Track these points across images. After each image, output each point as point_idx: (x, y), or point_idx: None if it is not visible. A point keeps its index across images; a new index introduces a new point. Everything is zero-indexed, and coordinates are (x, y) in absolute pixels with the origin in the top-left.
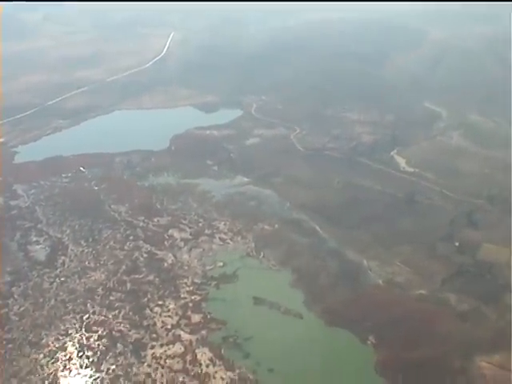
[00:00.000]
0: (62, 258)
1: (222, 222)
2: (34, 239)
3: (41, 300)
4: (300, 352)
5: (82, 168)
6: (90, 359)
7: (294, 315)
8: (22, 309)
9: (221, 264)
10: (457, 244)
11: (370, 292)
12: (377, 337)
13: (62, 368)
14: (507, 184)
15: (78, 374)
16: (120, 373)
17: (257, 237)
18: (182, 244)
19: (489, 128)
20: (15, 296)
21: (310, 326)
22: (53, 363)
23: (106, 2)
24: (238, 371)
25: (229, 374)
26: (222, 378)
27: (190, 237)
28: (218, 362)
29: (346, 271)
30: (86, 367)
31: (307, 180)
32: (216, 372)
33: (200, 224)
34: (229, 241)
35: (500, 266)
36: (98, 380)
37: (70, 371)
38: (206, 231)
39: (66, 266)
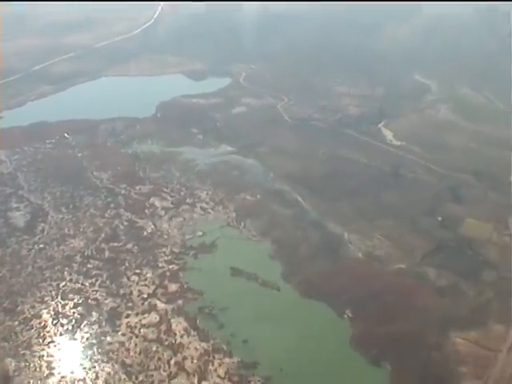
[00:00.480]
0: (42, 224)
1: (204, 192)
2: (15, 206)
3: (18, 267)
4: (275, 324)
5: (66, 134)
6: (65, 327)
7: (272, 287)
8: None
9: (200, 233)
10: (439, 219)
11: (349, 265)
12: (353, 310)
13: (36, 335)
14: (494, 159)
15: (52, 341)
16: (94, 341)
17: (238, 207)
18: (162, 213)
19: (479, 102)
20: None
21: (287, 298)
22: (27, 330)
23: None
24: (212, 342)
25: (203, 344)
26: (196, 349)
27: (170, 205)
28: (192, 333)
29: (327, 243)
30: (61, 335)
31: (292, 150)
32: (190, 342)
33: (182, 193)
34: (210, 210)
35: (481, 242)
36: (71, 348)
37: (44, 339)
38: (188, 200)
39: (45, 232)
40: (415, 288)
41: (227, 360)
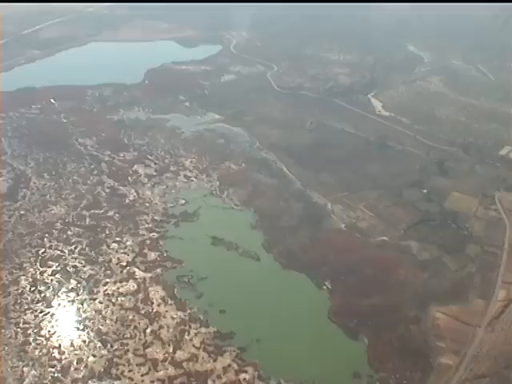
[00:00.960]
0: (24, 190)
1: (189, 160)
2: None
3: None
4: (253, 295)
5: (52, 100)
6: (42, 294)
7: (252, 257)
8: None
9: (183, 202)
10: (424, 191)
11: (331, 236)
12: (333, 282)
13: (13, 302)
14: (483, 133)
15: (29, 308)
16: (71, 309)
17: (222, 175)
18: (145, 180)
19: (471, 75)
20: None
21: (267, 269)
22: (5, 297)
23: None
24: (189, 311)
25: (179, 313)
26: (173, 318)
27: (154, 173)
28: (169, 302)
29: (309, 214)
30: (38, 302)
31: (279, 119)
32: (167, 311)
33: (166, 160)
34: (193, 178)
35: (466, 215)
36: (48, 315)
37: (21, 305)
38: (172, 168)
39: (26, 199)
40: (397, 261)
41: (203, 330)
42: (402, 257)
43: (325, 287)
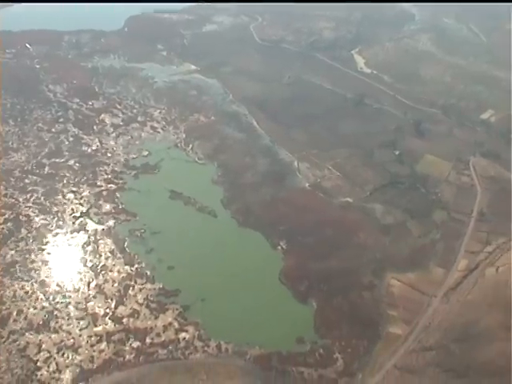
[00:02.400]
0: None
1: (158, 110)
2: None
3: None
4: (205, 252)
5: (27, 44)
6: None
7: (209, 213)
8: None
9: (146, 153)
10: (397, 153)
11: (293, 195)
12: (289, 243)
13: None
14: (467, 95)
15: None
16: (17, 259)
17: (189, 128)
18: (111, 130)
19: (462, 36)
20: None
21: (222, 226)
22: None
23: None
24: (136, 266)
25: (127, 268)
26: (119, 272)
27: (121, 123)
28: (118, 255)
29: (274, 171)
30: None
31: (257, 72)
32: (114, 265)
33: (134, 110)
34: (160, 130)
35: (437, 180)
36: None
37: None
38: (139, 118)
39: None
40: (359, 224)
41: (149, 286)
42: (364, 219)
43: (279, 247)
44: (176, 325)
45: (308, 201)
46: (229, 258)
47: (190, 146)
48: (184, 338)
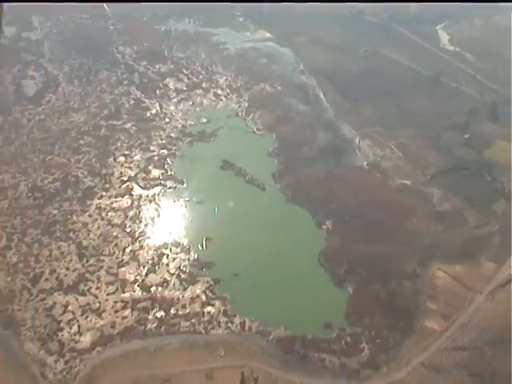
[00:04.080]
0: (50, 95)
1: (224, 77)
2: (31, 74)
3: (13, 136)
4: (246, 226)
5: (105, 5)
6: (37, 201)
7: (258, 186)
8: None
9: (204, 121)
10: (466, 136)
11: (349, 173)
12: (335, 223)
13: (6, 206)
14: None
15: (20, 213)
16: (59, 219)
17: (253, 97)
18: (173, 95)
19: None
20: None
21: (269, 200)
22: (0, 200)
23: None
24: (174, 234)
25: (165, 236)
26: (156, 240)
27: (184, 88)
28: (158, 223)
29: (333, 147)
30: (30, 208)
31: (333, 44)
32: (153, 233)
33: (200, 76)
34: (222, 98)
35: (505, 168)
36: (35, 222)
37: (13, 210)
38: (204, 85)
39: (50, 104)
40: (413, 208)
41: (183, 256)
42: (419, 204)
43: (325, 227)
44: (203, 298)
45: (363, 180)
46: (269, 234)
47: (251, 115)
48: (209, 312)
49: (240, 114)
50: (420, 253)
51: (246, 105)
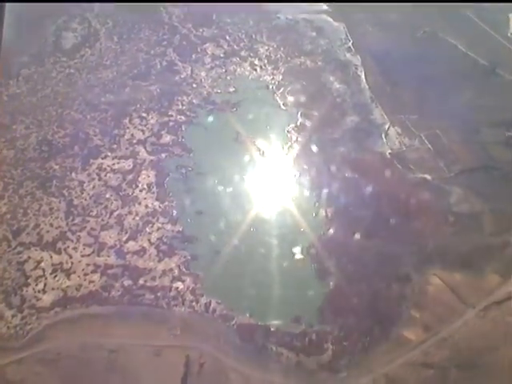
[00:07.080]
0: (86, 50)
1: (265, 47)
2: (74, 26)
3: (39, 87)
4: (241, 202)
5: None
6: (42, 154)
7: (266, 162)
8: (17, 91)
9: (231, 90)
10: (507, 134)
11: (367, 160)
12: (336, 212)
13: (12, 156)
14: None
15: (22, 165)
16: (58, 174)
17: (289, 70)
18: (208, 60)
19: None
20: (19, 78)
21: (272, 179)
22: (8, 150)
23: None
24: (166, 204)
25: (156, 204)
26: (146, 206)
27: (221, 55)
28: (153, 190)
29: (358, 130)
30: (34, 161)
31: (391, 22)
32: (145, 199)
33: (242, 44)
34: (257, 68)
35: None
36: (33, 174)
37: (17, 161)
38: (242, 53)
39: (84, 58)
40: (425, 206)
41: (168, 227)
42: (434, 202)
43: (324, 214)
44: (176, 272)
45: (380, 170)
46: (263, 216)
47: (281, 89)
48: (177, 288)
49: (271, 86)
50: (419, 255)
51: (280, 78)
